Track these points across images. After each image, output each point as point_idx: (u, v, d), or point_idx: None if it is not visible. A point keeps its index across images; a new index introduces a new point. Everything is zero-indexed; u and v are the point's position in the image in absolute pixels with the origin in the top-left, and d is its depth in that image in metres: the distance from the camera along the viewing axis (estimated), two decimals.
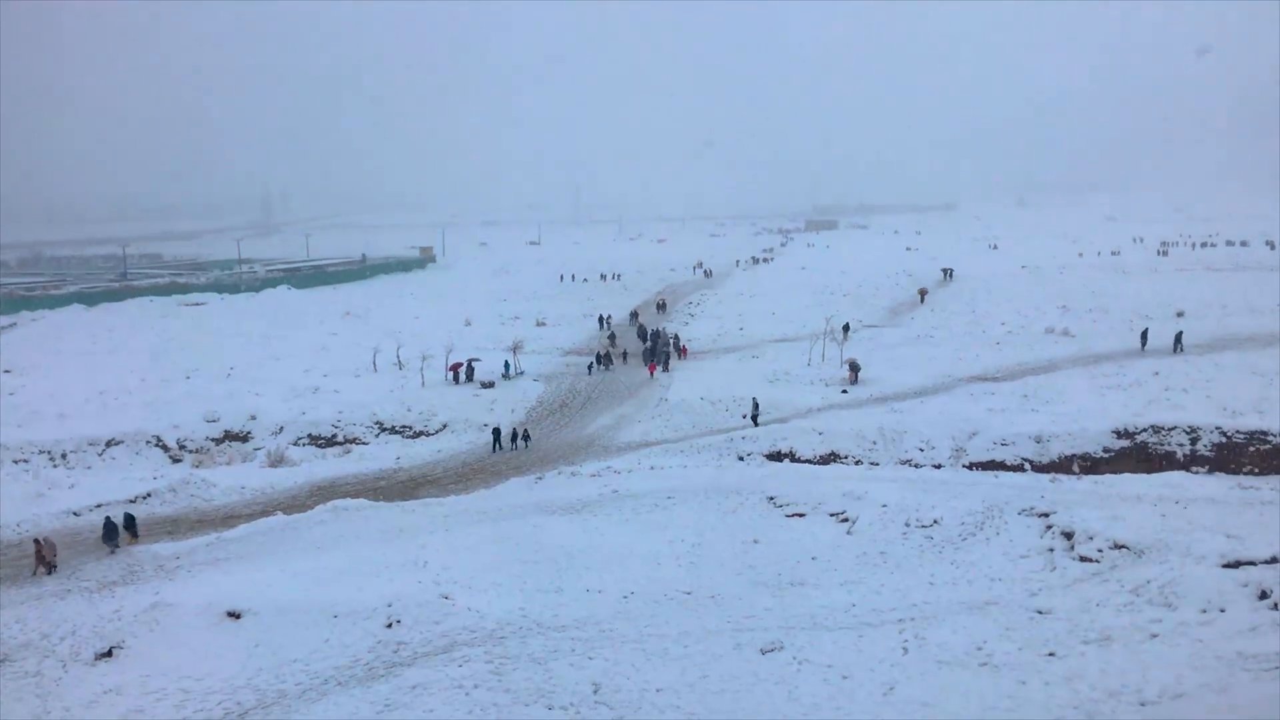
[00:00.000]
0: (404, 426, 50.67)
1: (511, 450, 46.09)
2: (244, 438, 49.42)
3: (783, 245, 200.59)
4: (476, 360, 59.77)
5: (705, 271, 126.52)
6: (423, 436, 49.87)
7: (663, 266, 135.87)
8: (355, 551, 30.13)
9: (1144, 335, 58.29)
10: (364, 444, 49.05)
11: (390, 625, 23.43)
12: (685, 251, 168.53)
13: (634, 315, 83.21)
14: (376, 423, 50.80)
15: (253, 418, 50.67)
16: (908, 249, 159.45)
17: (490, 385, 56.81)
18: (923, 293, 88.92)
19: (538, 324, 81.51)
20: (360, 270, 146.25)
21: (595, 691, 19.21)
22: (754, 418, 47.35)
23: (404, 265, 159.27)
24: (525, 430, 47.54)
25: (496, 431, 46.90)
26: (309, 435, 49.55)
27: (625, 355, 63.54)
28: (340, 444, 48.91)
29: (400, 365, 61.25)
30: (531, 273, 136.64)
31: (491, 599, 25.00)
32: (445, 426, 50.56)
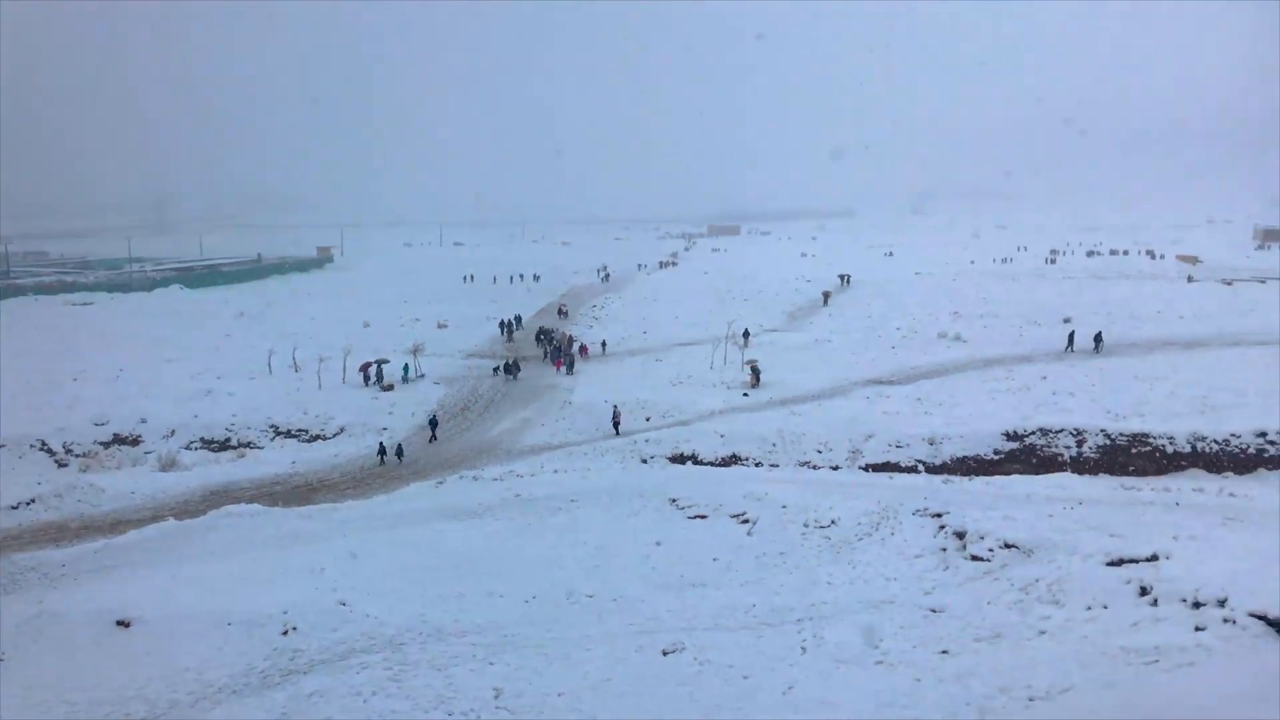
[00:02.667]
0: (300, 430, 49.65)
1: (397, 462, 44.79)
2: (134, 441, 47.86)
3: (686, 250, 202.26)
4: (385, 361, 58.88)
5: (604, 276, 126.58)
6: (319, 440, 48.92)
7: (566, 270, 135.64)
8: (250, 558, 29.44)
9: (1070, 336, 60.64)
10: (259, 448, 47.91)
11: (286, 633, 22.94)
12: (589, 255, 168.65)
13: (540, 331, 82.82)
14: (272, 426, 49.68)
15: (143, 421, 49.10)
16: (804, 255, 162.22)
17: (390, 388, 56.01)
18: (826, 295, 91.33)
19: (439, 326, 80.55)
20: (256, 270, 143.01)
21: (496, 697, 19.09)
22: (615, 424, 47.31)
23: (301, 266, 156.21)
24: (399, 446, 45.85)
25: (382, 447, 45.55)
26: (202, 439, 48.22)
27: (519, 363, 62.53)
28: (234, 448, 47.68)
29: (296, 367, 59.99)
30: (433, 275, 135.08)
31: (391, 605, 24.65)
32: (343, 430, 49.70)
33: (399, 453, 45.20)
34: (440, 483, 40.40)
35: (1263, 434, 40.77)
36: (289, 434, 49.31)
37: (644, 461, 43.31)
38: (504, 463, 43.82)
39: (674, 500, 34.37)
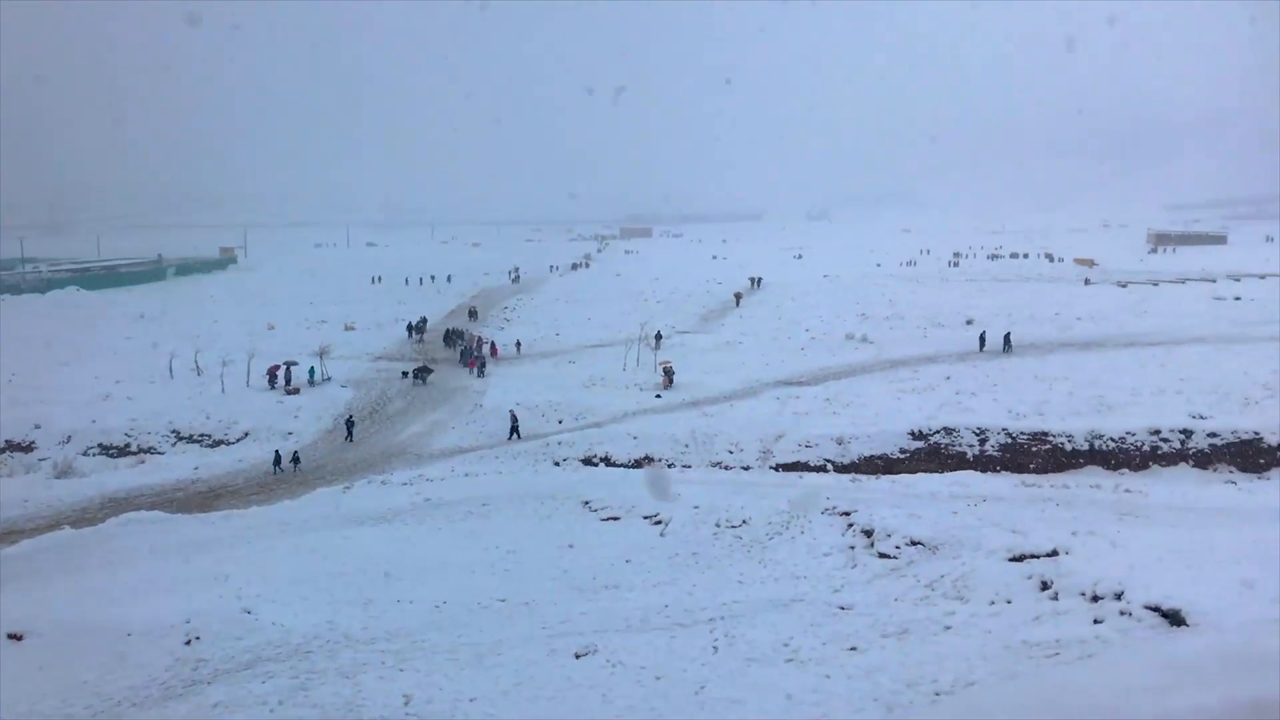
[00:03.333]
0: (203, 435, 48.41)
1: (293, 470, 43.48)
2: (27, 448, 46.10)
3: (599, 251, 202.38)
4: (293, 364, 57.71)
5: (515, 277, 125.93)
6: (223, 445, 47.75)
7: (477, 271, 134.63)
8: (151, 566, 28.59)
9: (982, 337, 62.09)
10: (160, 454, 46.57)
11: (189, 642, 22.32)
12: (500, 256, 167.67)
13: (448, 332, 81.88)
14: (173, 431, 48.36)
15: (37, 426, 47.35)
16: (715, 257, 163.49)
17: (295, 392, 54.91)
18: (738, 296, 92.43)
19: (346, 328, 79.24)
20: (156, 271, 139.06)
21: (406, 703, 18.82)
22: (514, 429, 47.01)
23: (204, 267, 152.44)
24: (295, 454, 44.64)
25: (278, 455, 44.12)
26: (100, 445, 46.69)
27: (428, 366, 61.55)
28: (134, 454, 46.30)
29: (199, 371, 58.42)
30: (341, 276, 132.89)
31: (297, 612, 24.15)
32: (247, 435, 48.61)
33: (295, 460, 44.06)
34: (348, 488, 39.76)
35: (1156, 432, 42.26)
36: (191, 439, 48.04)
37: (556, 464, 43.20)
38: (414, 467, 43.30)
39: (587, 502, 34.34)
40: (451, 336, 72.58)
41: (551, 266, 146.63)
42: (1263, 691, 8.24)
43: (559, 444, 44.88)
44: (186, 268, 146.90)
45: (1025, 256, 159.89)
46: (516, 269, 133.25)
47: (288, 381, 55.78)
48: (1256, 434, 41.97)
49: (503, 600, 25.44)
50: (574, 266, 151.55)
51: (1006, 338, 61.23)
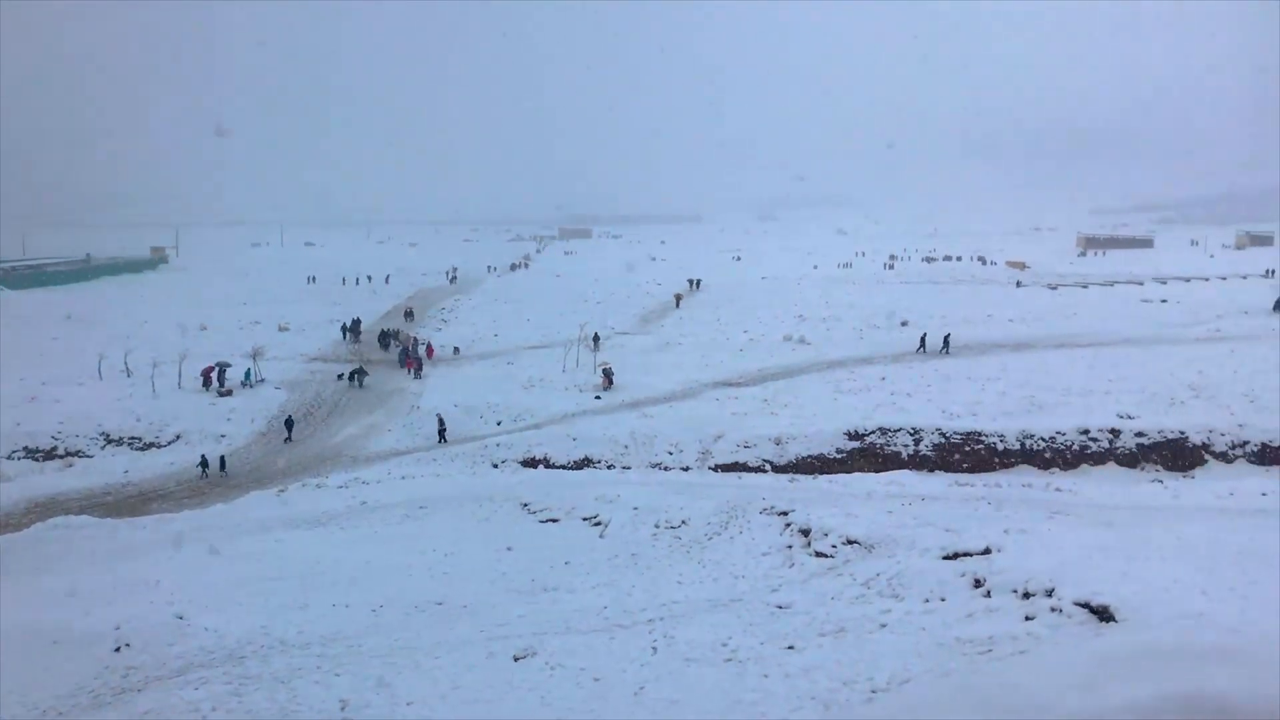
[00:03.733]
0: (133, 438, 47.40)
1: (220, 475, 42.72)
2: None
3: (538, 252, 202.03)
4: (227, 364, 56.72)
5: (453, 277, 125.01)
6: (154, 448, 46.80)
7: (414, 271, 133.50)
8: (79, 572, 27.95)
9: (922, 339, 62.99)
10: (88, 457, 45.49)
11: (119, 649, 21.86)
12: (437, 256, 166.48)
13: (382, 333, 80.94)
14: (103, 434, 47.29)
15: None
16: (653, 259, 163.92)
17: (229, 393, 54.00)
18: (679, 297, 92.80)
19: (280, 329, 78.04)
20: (84, 271, 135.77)
21: (343, 708, 18.61)
22: (441, 433, 46.71)
23: (134, 266, 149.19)
24: (222, 458, 43.73)
25: (204, 459, 43.29)
26: (25, 448, 45.47)
27: (365, 368, 60.65)
28: (61, 457, 45.17)
29: (129, 373, 57.15)
30: (275, 276, 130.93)
31: (231, 618, 23.75)
32: (179, 437, 47.71)
33: (222, 465, 43.21)
34: (282, 491, 39.20)
35: (1085, 431, 43.22)
36: (121, 442, 47.01)
37: (495, 466, 43.00)
38: (349, 469, 42.83)
39: (526, 504, 34.22)
40: (386, 337, 71.88)
41: (489, 267, 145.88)
42: (1192, 686, 8.46)
43: (497, 446, 44.67)
44: (116, 267, 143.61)
45: (959, 259, 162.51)
46: (454, 269, 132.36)
47: (221, 383, 54.82)
48: (1182, 433, 43.09)
49: (440, 603, 25.26)
50: (512, 267, 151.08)
51: (946, 339, 62.20)
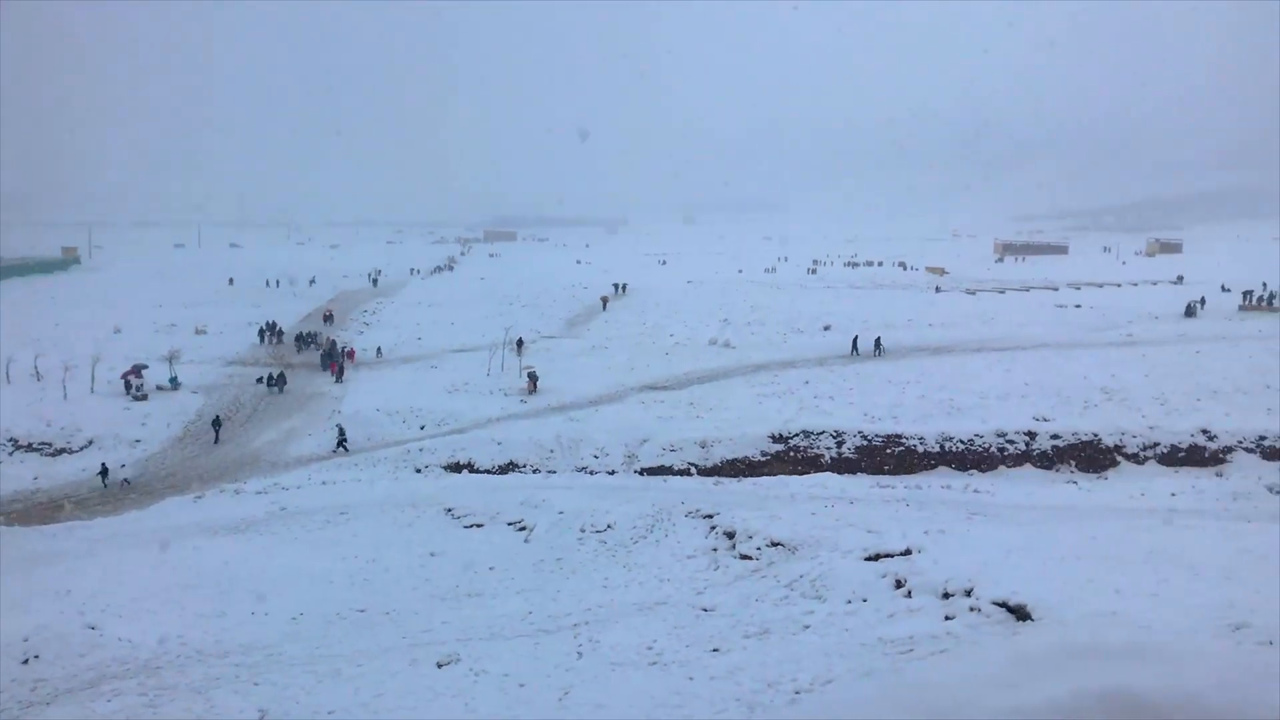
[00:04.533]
0: (44, 443, 45.95)
1: (120, 488, 41.21)
2: None
3: (463, 255, 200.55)
4: (145, 367, 55.24)
5: (375, 280, 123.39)
6: (65, 454, 45.43)
7: (335, 274, 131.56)
8: None
9: (855, 341, 63.95)
10: None
11: (27, 661, 21.15)
12: (360, 259, 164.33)
13: (300, 336, 79.53)
14: (11, 440, 45.76)
15: None
16: (579, 262, 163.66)
17: (144, 398, 52.62)
18: (605, 300, 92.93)
19: (197, 332, 76.30)
20: None
21: (261, 718, 18.26)
22: (341, 444, 45.77)
23: (44, 267, 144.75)
24: (124, 469, 42.64)
25: (104, 468, 42.00)
26: None
27: (284, 372, 59.45)
28: None
29: (39, 376, 55.38)
30: (193, 278, 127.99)
31: (146, 627, 23.14)
32: (91, 443, 46.38)
33: (124, 481, 41.67)
34: (199, 497, 38.34)
35: (1002, 434, 44.15)
36: (30, 448, 45.54)
37: (418, 471, 42.53)
38: (268, 475, 42.03)
39: (450, 510, 33.91)
40: (304, 340, 70.74)
41: (412, 270, 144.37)
42: (1107, 684, 8.63)
43: (420, 450, 44.20)
44: (25, 268, 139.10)
45: (880, 264, 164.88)
46: (377, 271, 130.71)
47: (138, 387, 53.38)
48: (1095, 435, 44.22)
49: (362, 610, 24.91)
50: (436, 269, 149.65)
51: (877, 342, 63.07)
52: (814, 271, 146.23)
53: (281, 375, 57.39)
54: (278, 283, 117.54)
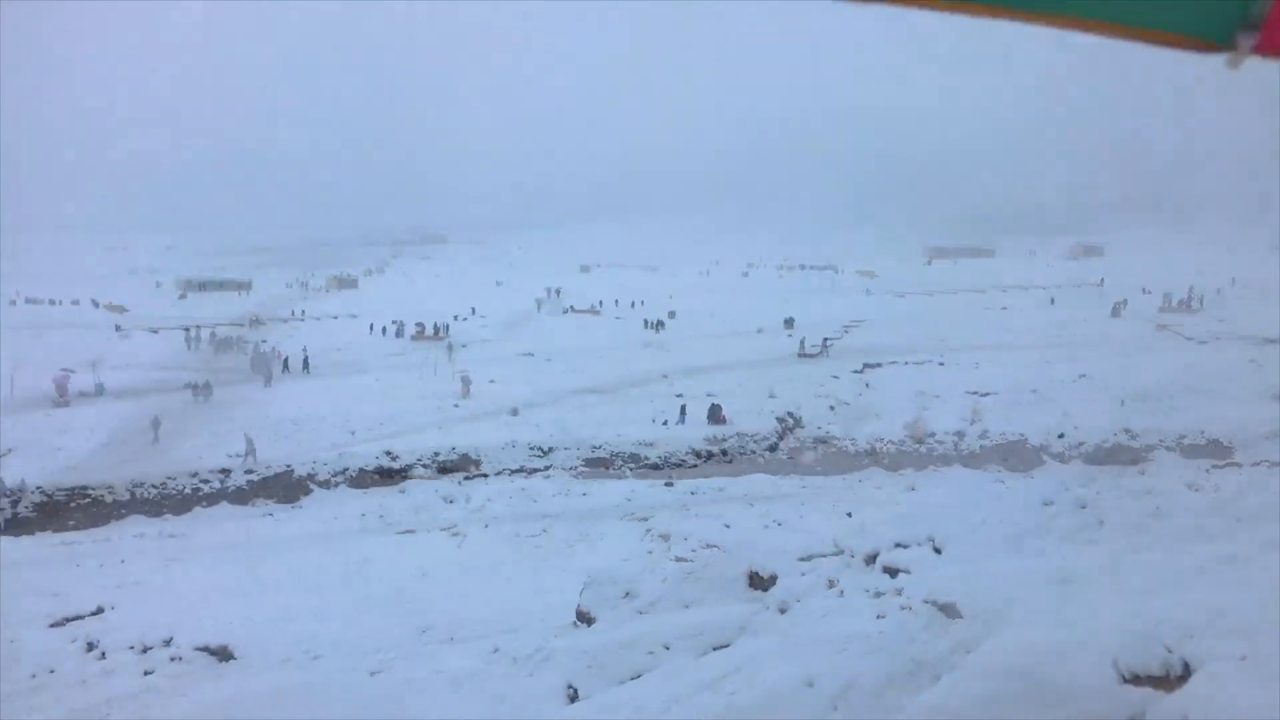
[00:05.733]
0: None
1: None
2: None
3: (394, 259, 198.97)
4: (71, 371, 53.70)
5: (303, 284, 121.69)
6: None
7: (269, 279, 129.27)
8: None
9: (802, 343, 66.75)
10: None
11: None
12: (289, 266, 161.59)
13: (219, 341, 77.99)
14: None
15: None
16: (509, 266, 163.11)
17: (66, 404, 51.06)
18: (539, 303, 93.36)
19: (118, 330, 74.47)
20: None
21: None
22: (249, 453, 43.02)
23: None
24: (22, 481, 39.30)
25: None
26: None
27: (209, 381, 57.59)
28: None
29: None
30: (122, 280, 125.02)
31: None
32: (10, 451, 44.75)
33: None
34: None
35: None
36: None
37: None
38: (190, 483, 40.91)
39: (381, 516, 33.42)
40: (232, 345, 69.39)
41: (334, 278, 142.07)
42: None
43: (353, 456, 43.47)
44: None
45: (814, 268, 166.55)
46: (306, 281, 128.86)
47: (64, 393, 51.85)
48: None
49: (290, 620, 24.36)
50: (366, 274, 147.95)
51: (824, 342, 64.48)
52: (747, 275, 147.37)
53: (206, 381, 55.93)
54: (204, 286, 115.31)
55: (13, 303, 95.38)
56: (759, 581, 14.71)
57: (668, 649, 12.92)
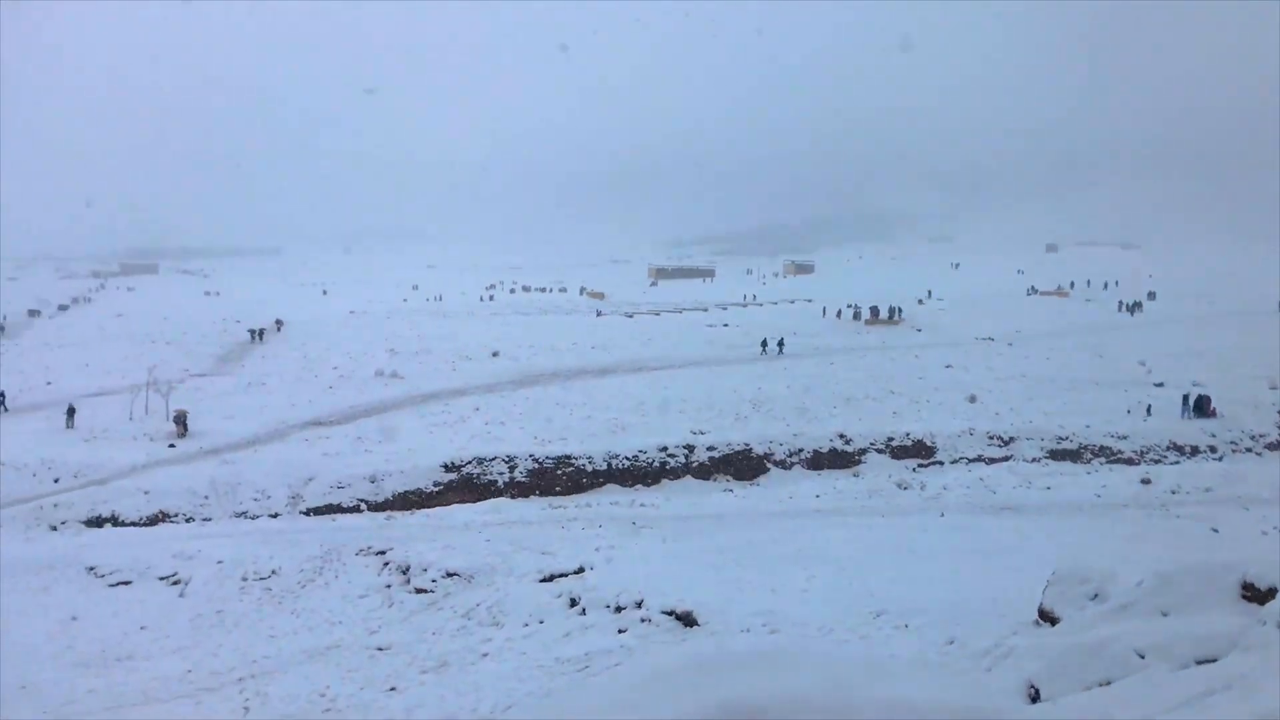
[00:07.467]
0: None
1: None
2: None
3: (100, 289, 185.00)
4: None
5: None
6: None
7: None
8: None
9: (764, 343, 70.99)
10: None
11: None
12: None
13: None
14: None
15: None
16: (215, 294, 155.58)
17: None
18: (259, 333, 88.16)
19: None
20: None
21: None
22: None
23: None
24: None
25: None
26: None
27: None
28: None
29: None
30: None
31: None
32: None
33: None
34: None
35: (664, 449, 46.21)
36: None
37: (53, 528, 38.58)
38: None
39: (92, 568, 31.13)
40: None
41: (33, 310, 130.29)
42: (729, 695, 9.09)
43: (55, 506, 40.12)
44: None
45: (545, 290, 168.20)
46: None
47: None
48: (746, 445, 47.22)
49: None
50: (61, 308, 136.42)
51: (779, 342, 68.70)
52: (490, 298, 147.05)
53: None
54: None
55: (511, 291, 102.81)
56: (1254, 593, 13.00)
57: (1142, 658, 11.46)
